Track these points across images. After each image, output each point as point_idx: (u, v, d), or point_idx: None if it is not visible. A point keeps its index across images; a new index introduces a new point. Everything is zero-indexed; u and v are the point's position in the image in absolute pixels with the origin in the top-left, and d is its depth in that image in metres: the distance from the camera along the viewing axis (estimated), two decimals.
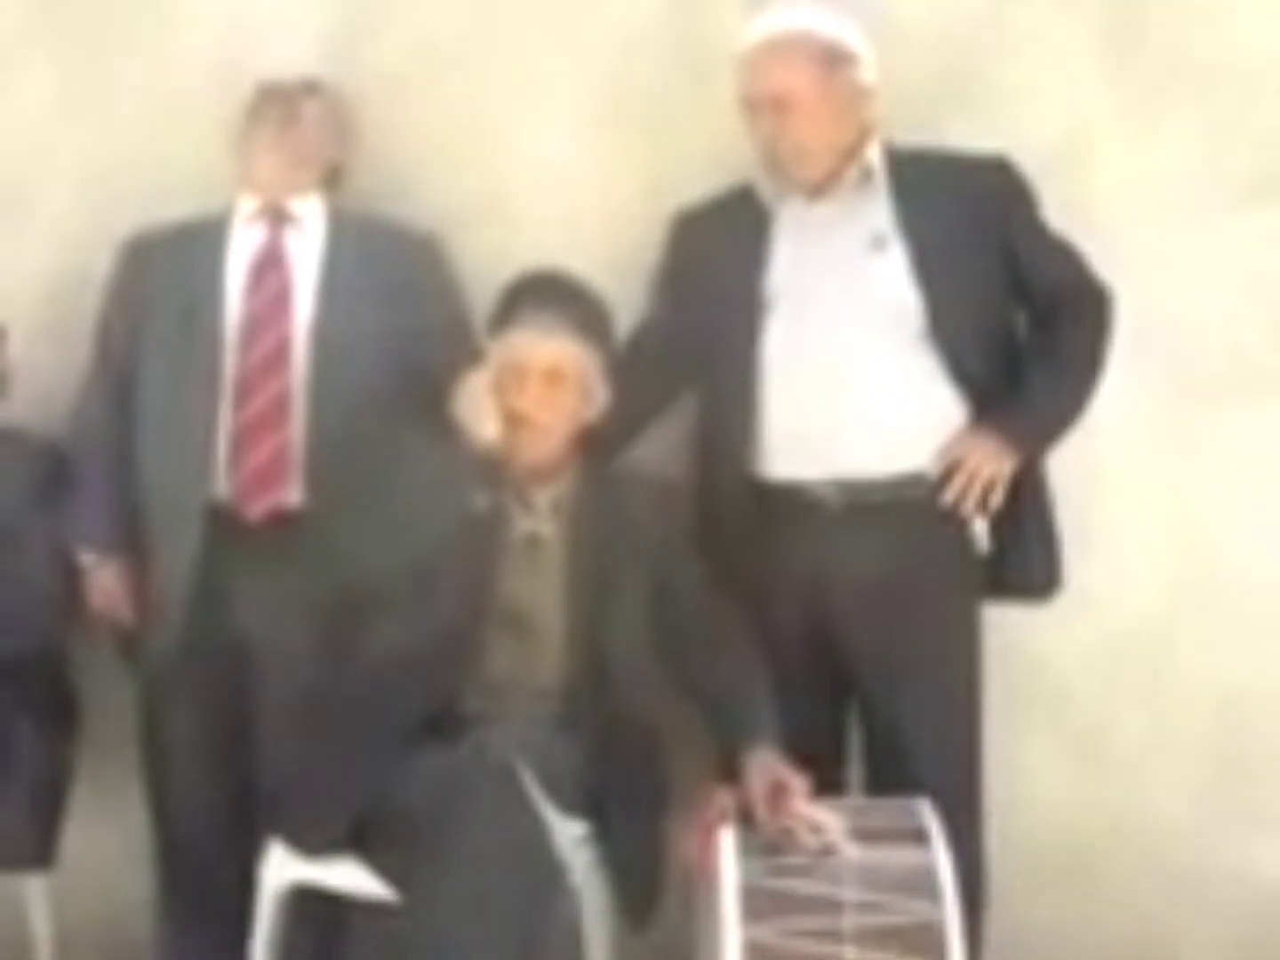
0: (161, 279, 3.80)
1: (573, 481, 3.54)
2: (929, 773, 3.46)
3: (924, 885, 3.07)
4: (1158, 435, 3.89)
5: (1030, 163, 3.61)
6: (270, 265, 3.79)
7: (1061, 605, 3.66)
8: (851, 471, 3.52)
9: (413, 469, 3.50)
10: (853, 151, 3.56)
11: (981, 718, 3.61)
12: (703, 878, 3.26)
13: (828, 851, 3.15)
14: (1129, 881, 3.91)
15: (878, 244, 3.55)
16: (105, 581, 3.79)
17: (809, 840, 3.17)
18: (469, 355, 3.59)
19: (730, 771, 3.33)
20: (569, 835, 3.29)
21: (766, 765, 3.28)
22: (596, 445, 3.58)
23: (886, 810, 3.29)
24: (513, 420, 3.46)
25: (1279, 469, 3.89)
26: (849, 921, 3.03)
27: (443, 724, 3.37)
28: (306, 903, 3.43)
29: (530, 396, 3.46)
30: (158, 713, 3.81)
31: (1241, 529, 3.89)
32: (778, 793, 3.24)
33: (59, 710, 3.84)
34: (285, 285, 3.77)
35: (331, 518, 3.60)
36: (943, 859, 3.12)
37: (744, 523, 3.58)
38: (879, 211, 3.57)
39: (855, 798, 3.59)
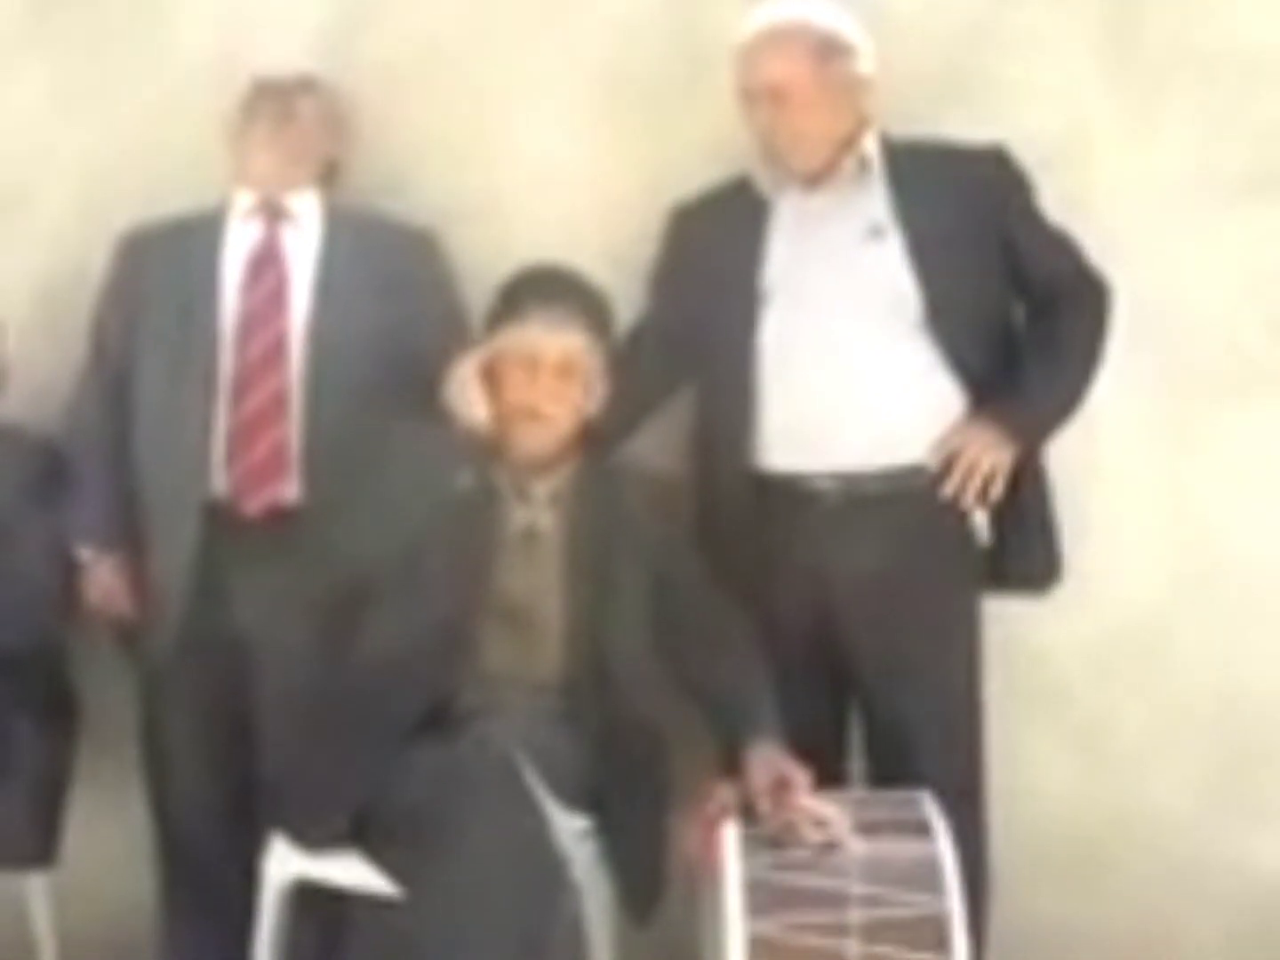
0: (157, 274, 3.79)
1: (571, 474, 3.53)
2: (931, 765, 3.46)
3: (928, 878, 3.07)
4: (1156, 428, 3.89)
5: (1029, 157, 3.61)
6: (267, 262, 3.78)
7: (1061, 598, 3.67)
8: (850, 463, 3.52)
9: (408, 461, 3.50)
10: (850, 142, 3.56)
11: (983, 710, 3.61)
12: (706, 873, 3.26)
13: (831, 845, 3.15)
14: (1130, 873, 3.91)
15: (875, 235, 3.54)
16: (103, 577, 3.78)
17: (812, 834, 3.16)
18: (465, 348, 3.59)
19: (732, 766, 3.32)
20: (571, 830, 3.28)
21: (768, 759, 3.28)
22: (595, 439, 3.57)
23: (888, 803, 3.28)
24: (522, 413, 3.46)
25: (1278, 461, 3.89)
26: (853, 915, 3.03)
27: (442, 718, 3.36)
28: (309, 898, 3.43)
29: (541, 389, 3.46)
30: (157, 709, 3.81)
31: (1241, 521, 3.88)
32: (779, 787, 3.23)
33: (58, 707, 3.83)
34: (282, 282, 3.77)
35: (329, 513, 3.59)
36: (946, 851, 3.11)
37: (743, 516, 3.58)
38: (876, 202, 3.56)
39: (857, 791, 3.58)
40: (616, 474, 3.58)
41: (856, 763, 3.68)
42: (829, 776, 3.39)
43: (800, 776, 3.25)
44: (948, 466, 3.51)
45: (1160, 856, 3.91)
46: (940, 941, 3.01)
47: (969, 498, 3.51)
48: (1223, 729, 3.89)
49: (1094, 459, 3.81)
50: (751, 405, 3.56)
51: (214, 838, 3.78)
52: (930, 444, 3.53)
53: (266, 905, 3.42)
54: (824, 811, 3.19)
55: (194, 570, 3.70)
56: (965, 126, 3.68)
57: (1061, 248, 3.62)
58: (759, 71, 3.52)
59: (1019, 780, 3.80)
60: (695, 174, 3.77)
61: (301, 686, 3.54)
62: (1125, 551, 3.89)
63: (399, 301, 3.74)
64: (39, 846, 3.76)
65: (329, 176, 3.88)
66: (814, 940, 3.01)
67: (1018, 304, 3.65)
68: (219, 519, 3.70)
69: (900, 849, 3.13)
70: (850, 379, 3.51)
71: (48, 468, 3.81)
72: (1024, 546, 3.61)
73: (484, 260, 3.77)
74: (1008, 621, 3.72)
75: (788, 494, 3.55)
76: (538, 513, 3.50)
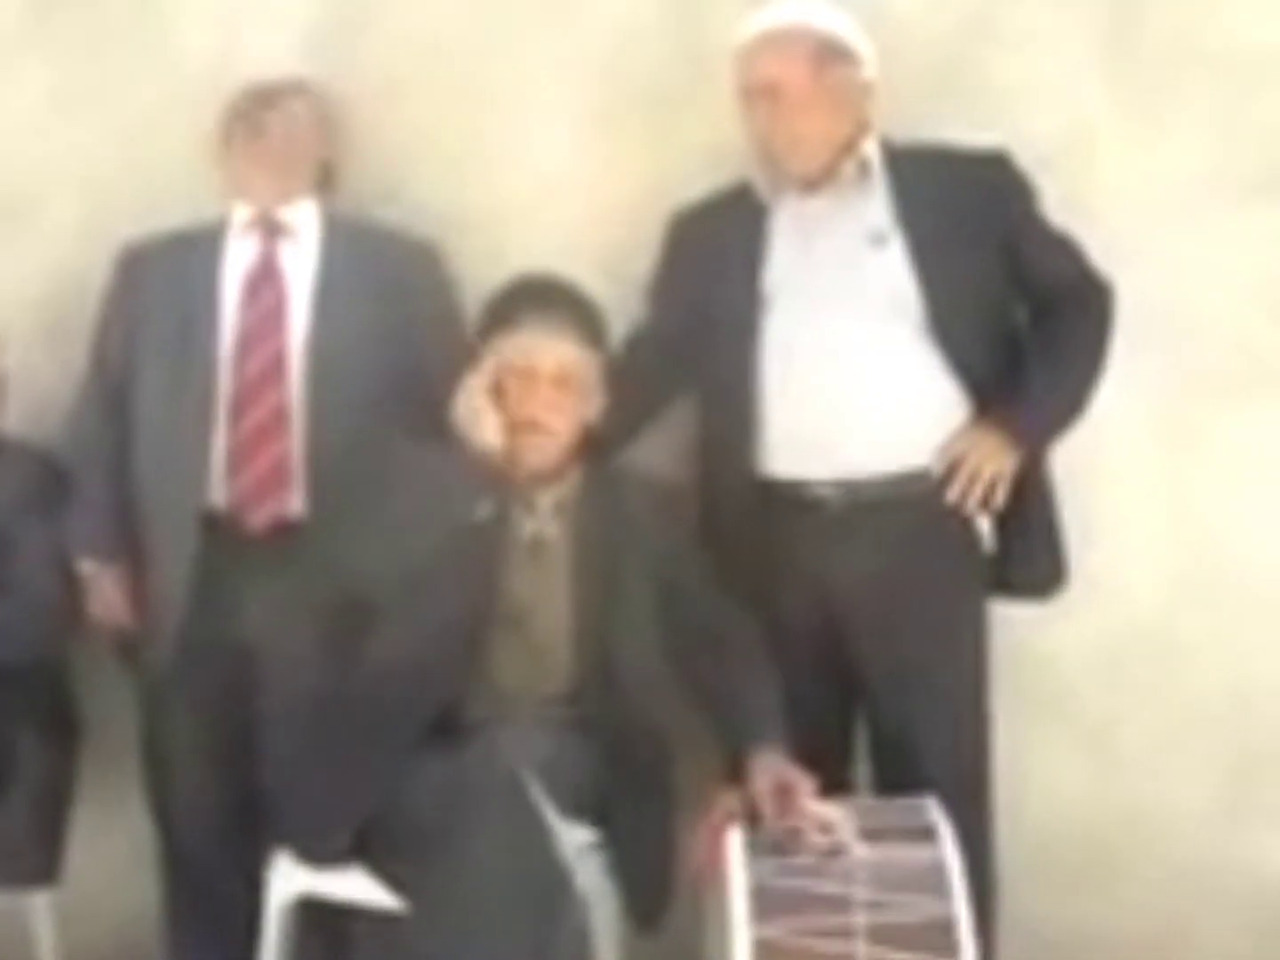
0: (157, 289, 3.79)
1: (575, 483, 3.52)
2: (937, 771, 3.44)
3: (934, 882, 3.06)
4: (1161, 431, 3.87)
5: (1031, 158, 3.60)
6: (265, 279, 3.78)
7: (1069, 601, 3.66)
8: (853, 469, 3.50)
9: (413, 475, 3.48)
10: (849, 146, 3.55)
11: (989, 715, 3.60)
12: (711, 879, 3.24)
13: (836, 850, 3.13)
14: (1142, 876, 3.89)
15: (877, 239, 3.53)
16: (104, 589, 3.78)
17: (817, 839, 3.15)
18: (466, 359, 3.57)
19: (737, 772, 3.31)
20: (576, 842, 3.27)
21: (772, 765, 3.26)
22: (595, 447, 3.56)
23: (894, 809, 3.27)
24: (521, 425, 3.45)
25: None
26: (860, 920, 3.01)
27: (450, 728, 3.35)
28: (313, 912, 3.42)
29: (539, 400, 3.45)
30: (158, 721, 3.80)
31: (1248, 522, 3.87)
32: (784, 792, 3.22)
33: (60, 720, 3.83)
34: (280, 299, 3.77)
35: (333, 526, 3.58)
36: (952, 856, 3.10)
37: (747, 522, 3.56)
38: (877, 206, 3.55)
39: (862, 797, 3.57)
40: (620, 481, 3.57)
41: (861, 769, 3.67)
42: (834, 782, 3.38)
43: (805, 782, 3.23)
44: (951, 473, 3.50)
45: (1171, 859, 3.89)
46: (948, 946, 2.99)
47: (972, 505, 3.50)
48: (1232, 730, 3.87)
49: (1099, 462, 3.80)
50: (754, 411, 3.55)
51: (216, 850, 3.77)
52: (934, 448, 3.52)
53: (271, 921, 3.41)
54: (829, 816, 3.18)
55: (194, 582, 3.70)
56: (966, 126, 3.68)
57: (1064, 251, 3.61)
58: (756, 70, 3.52)
59: (1030, 784, 3.79)
60: (695, 179, 3.76)
61: (306, 699, 3.54)
62: (1132, 554, 3.87)
63: (399, 312, 3.74)
64: (42, 865, 3.76)
65: (325, 180, 3.88)
66: (821, 945, 2.99)
67: (1020, 308, 3.63)
68: (221, 532, 3.70)
69: (906, 854, 3.12)
70: (853, 384, 3.50)
71: (48, 480, 3.80)
72: (1029, 553, 3.60)
73: (481, 267, 3.77)
74: (1014, 626, 3.71)
75: (791, 500, 3.53)
76: (543, 522, 3.49)
